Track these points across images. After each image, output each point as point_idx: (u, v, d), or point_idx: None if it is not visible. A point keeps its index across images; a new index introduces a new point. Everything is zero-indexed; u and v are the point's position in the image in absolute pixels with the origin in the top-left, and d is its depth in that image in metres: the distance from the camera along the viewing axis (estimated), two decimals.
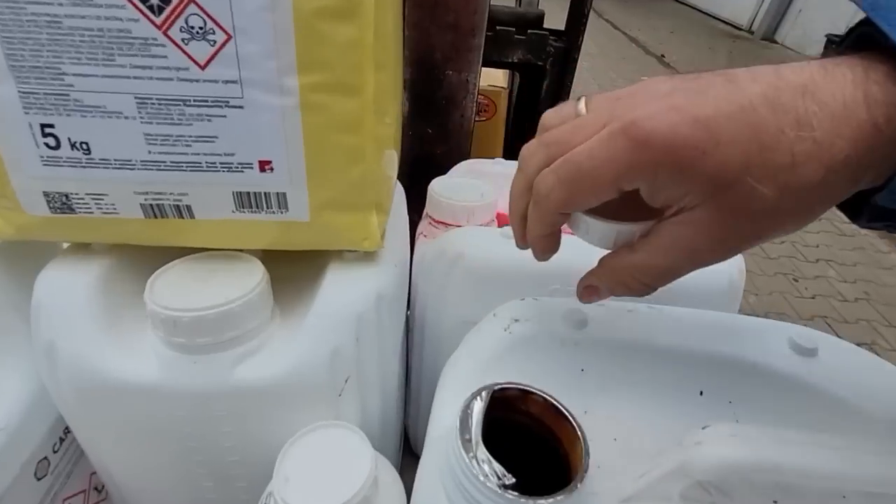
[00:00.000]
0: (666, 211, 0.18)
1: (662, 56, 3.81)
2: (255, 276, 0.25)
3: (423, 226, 0.41)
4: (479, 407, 0.19)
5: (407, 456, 0.42)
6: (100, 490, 0.32)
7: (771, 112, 0.15)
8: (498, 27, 0.56)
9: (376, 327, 0.26)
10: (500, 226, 0.37)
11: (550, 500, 0.16)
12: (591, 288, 0.21)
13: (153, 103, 0.21)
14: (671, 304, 0.27)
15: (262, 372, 0.24)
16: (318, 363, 0.24)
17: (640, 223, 0.19)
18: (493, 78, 0.73)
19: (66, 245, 0.27)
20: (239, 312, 0.23)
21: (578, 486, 0.16)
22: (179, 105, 0.21)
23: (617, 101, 0.18)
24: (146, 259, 0.27)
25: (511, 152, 0.75)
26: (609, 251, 0.21)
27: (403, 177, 0.35)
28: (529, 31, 0.56)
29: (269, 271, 0.25)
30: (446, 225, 0.38)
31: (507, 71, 0.76)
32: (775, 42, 4.39)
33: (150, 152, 0.22)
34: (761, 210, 0.16)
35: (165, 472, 0.27)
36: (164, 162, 0.22)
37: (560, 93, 0.59)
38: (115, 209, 0.23)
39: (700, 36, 4.58)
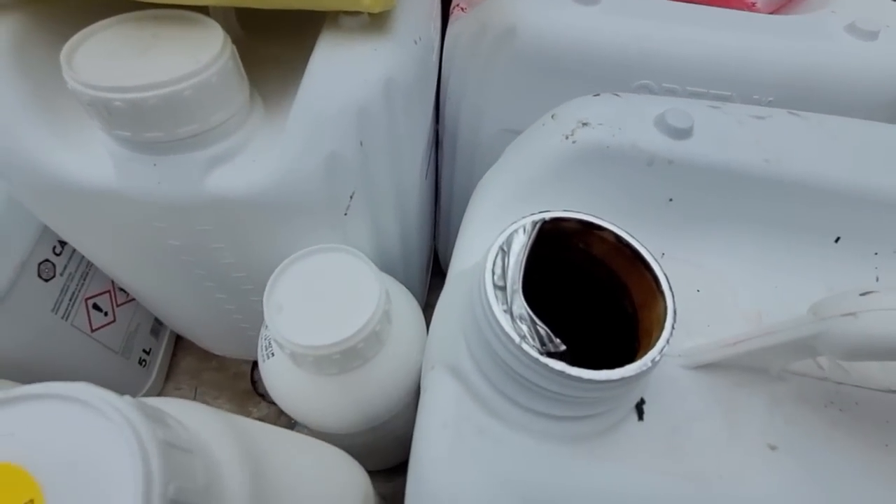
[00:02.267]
0: None
1: None
2: (213, 44, 0.17)
3: None
4: (520, 242, 0.13)
5: (436, 277, 0.40)
6: (126, 292, 0.32)
7: None
8: None
9: (387, 126, 0.19)
10: None
11: (614, 374, 0.11)
12: None
13: None
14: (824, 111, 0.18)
15: (240, 182, 0.19)
16: (310, 171, 0.19)
17: None
18: None
19: None
20: (193, 97, 0.17)
21: (655, 359, 0.11)
22: None
23: None
24: (67, 20, 0.19)
25: None
26: None
27: None
28: None
29: (246, 49, 0.18)
30: None
31: None
32: None
33: None
34: None
35: (171, 283, 0.25)
36: None
37: None
38: None
39: None
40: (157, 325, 0.35)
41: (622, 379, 0.11)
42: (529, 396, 0.12)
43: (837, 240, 0.17)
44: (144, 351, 0.33)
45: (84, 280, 0.28)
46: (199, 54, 0.17)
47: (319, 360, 0.17)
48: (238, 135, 0.19)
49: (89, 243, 0.23)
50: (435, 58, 0.25)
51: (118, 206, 0.19)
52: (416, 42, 0.20)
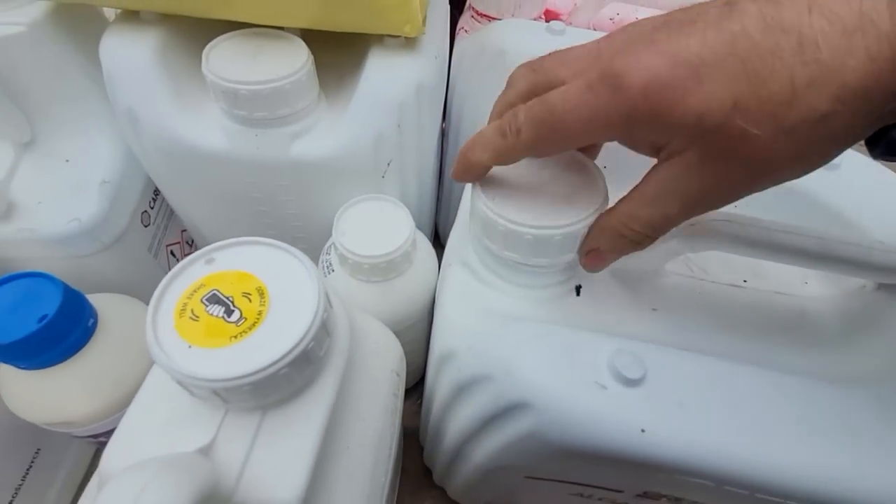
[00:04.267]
0: (658, 157, 0.16)
1: None
2: (300, 55, 0.25)
3: (464, 20, 0.38)
4: None
5: (435, 247, 0.48)
6: (190, 244, 0.39)
7: (768, 36, 0.13)
8: None
9: (416, 116, 0.28)
10: (547, 20, 0.35)
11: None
12: (593, 252, 0.19)
13: None
14: None
15: (314, 150, 0.27)
16: (364, 145, 0.27)
17: None
18: None
19: (112, 19, 0.27)
20: (290, 90, 0.25)
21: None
22: None
23: (606, 41, 0.16)
24: (195, 34, 0.27)
25: None
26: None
27: None
28: None
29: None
30: (490, 18, 0.35)
31: None
32: None
33: None
34: (754, 154, 0.14)
35: (241, 228, 0.32)
36: None
37: None
38: None
39: None
40: None
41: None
42: (507, 270, 0.20)
43: None
44: None
45: (165, 230, 0.35)
46: (292, 61, 0.25)
47: (372, 268, 0.25)
48: (311, 117, 0.27)
49: (186, 194, 0.31)
50: (445, 66, 0.33)
51: (224, 165, 0.27)
52: (436, 57, 0.29)
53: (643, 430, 0.15)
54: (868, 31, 0.12)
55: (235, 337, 0.15)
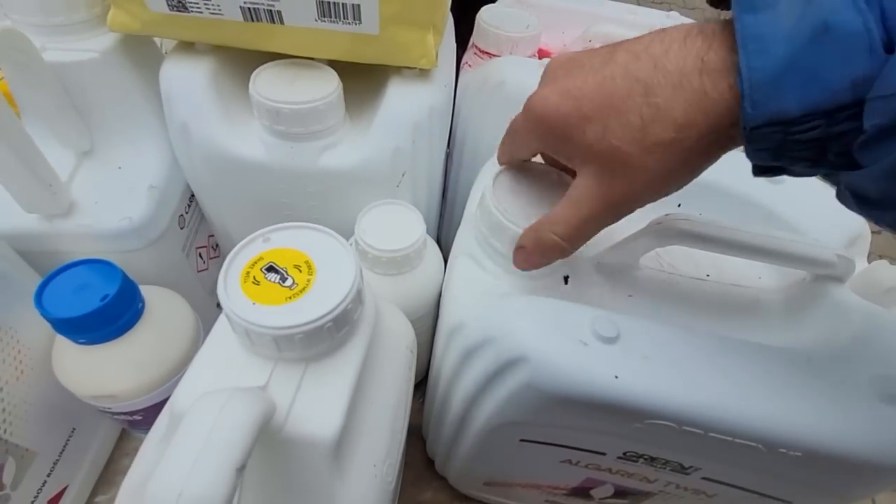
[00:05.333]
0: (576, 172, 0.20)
1: None
2: (332, 81, 0.30)
3: (468, 56, 0.44)
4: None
5: None
6: (214, 248, 0.43)
7: (627, 82, 0.17)
8: None
9: (428, 135, 0.32)
10: (540, 58, 0.40)
11: None
12: (519, 249, 0.23)
13: None
14: None
15: (340, 161, 0.31)
16: (383, 158, 0.31)
17: None
18: None
19: (165, 50, 0.32)
20: (323, 110, 0.29)
21: None
22: None
23: (543, 73, 0.21)
24: (240, 62, 0.32)
25: None
26: None
27: (451, 7, 0.37)
28: None
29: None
30: (490, 55, 0.41)
31: None
32: None
33: None
34: (628, 167, 0.18)
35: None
36: None
37: None
38: (219, 10, 0.28)
39: None
40: None
41: None
42: (506, 261, 0.24)
43: (679, 205, 0.30)
44: None
45: (196, 233, 0.39)
46: (324, 86, 0.30)
47: (389, 261, 0.29)
48: (338, 133, 0.31)
49: (222, 199, 0.35)
50: (452, 93, 0.38)
51: (260, 173, 0.31)
52: (445, 86, 0.34)
53: (616, 377, 0.19)
54: (685, 87, 0.16)
55: (289, 298, 0.19)
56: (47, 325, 0.27)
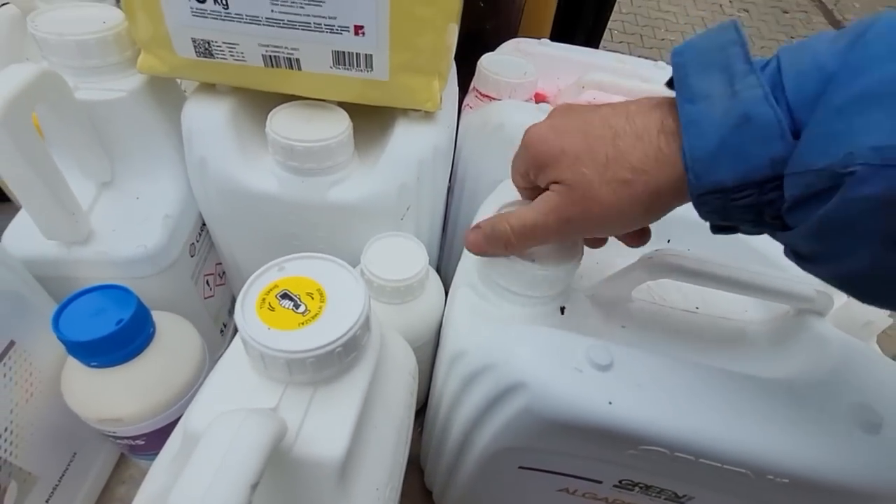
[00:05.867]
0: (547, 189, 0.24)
1: None
2: (343, 122, 0.32)
3: (469, 98, 0.46)
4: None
5: None
6: (220, 276, 0.44)
7: (602, 126, 0.21)
8: None
9: (432, 172, 0.34)
10: (537, 102, 0.43)
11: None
12: (475, 228, 0.26)
13: None
14: None
15: (349, 195, 0.33)
16: (389, 193, 0.33)
17: None
18: None
19: (187, 91, 0.34)
20: (335, 147, 0.31)
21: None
22: None
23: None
24: (258, 103, 0.34)
25: (559, 32, 0.74)
26: None
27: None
28: None
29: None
30: (490, 98, 0.43)
31: None
32: None
33: (272, 11, 0.28)
34: (588, 192, 0.21)
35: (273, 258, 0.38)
36: (283, 20, 0.28)
37: None
38: (243, 57, 0.30)
39: None
40: (231, 310, 0.47)
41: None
42: (500, 293, 0.26)
43: (668, 241, 0.32)
44: (224, 324, 0.45)
45: (205, 261, 0.40)
46: (336, 125, 0.32)
47: (393, 290, 0.30)
48: (347, 169, 0.33)
49: (233, 229, 0.36)
50: (454, 134, 0.41)
51: (272, 205, 0.33)
52: (448, 127, 0.36)
53: (610, 403, 0.20)
54: (645, 140, 0.20)
55: (302, 324, 0.20)
56: (58, 349, 0.28)
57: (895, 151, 0.14)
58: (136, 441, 0.31)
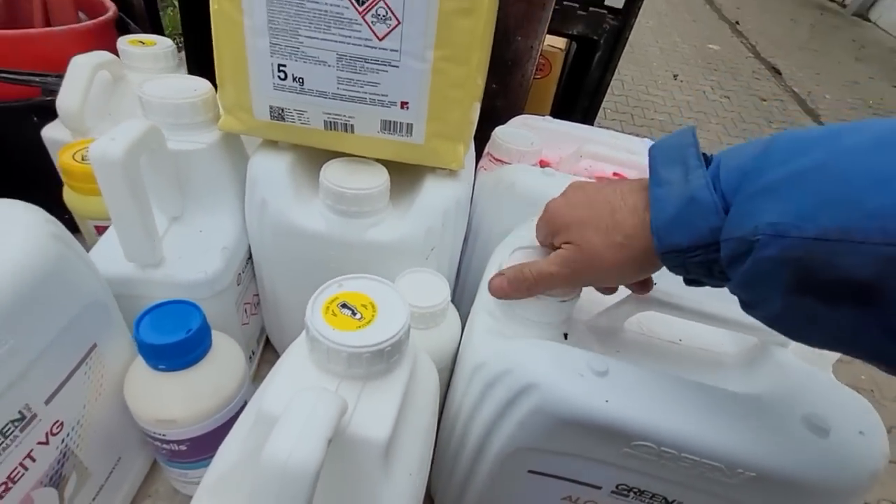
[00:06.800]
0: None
1: (737, 23, 3.58)
2: (383, 175, 0.39)
3: (484, 161, 0.54)
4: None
5: None
6: (255, 306, 0.49)
7: (602, 201, 0.27)
8: (564, 1, 0.65)
9: (454, 220, 0.40)
10: (541, 167, 0.50)
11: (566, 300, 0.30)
12: (499, 276, 0.32)
13: (347, 59, 0.34)
14: None
15: (383, 236, 0.39)
16: (418, 235, 0.39)
17: None
18: (553, 39, 0.82)
19: (249, 148, 0.42)
20: (375, 195, 0.38)
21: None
22: (361, 62, 0.34)
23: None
24: (312, 157, 0.41)
25: (559, 110, 0.85)
26: None
27: None
28: (590, 7, 0.65)
29: None
30: (502, 162, 0.51)
31: None
32: (868, 20, 4.02)
33: (338, 88, 0.35)
34: (593, 252, 0.27)
35: (312, 291, 0.43)
36: (345, 95, 0.36)
37: (609, 64, 0.68)
38: (308, 121, 0.37)
39: (784, 3, 4.22)
40: (259, 339, 0.51)
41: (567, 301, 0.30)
42: (515, 317, 0.31)
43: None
44: (252, 351, 0.49)
45: (246, 290, 0.45)
46: (377, 178, 0.39)
47: (420, 316, 0.35)
48: (382, 214, 0.40)
49: (279, 263, 0.42)
50: (471, 190, 0.48)
51: (318, 242, 0.39)
52: (468, 183, 0.43)
53: (607, 401, 0.24)
54: (635, 214, 0.26)
55: (359, 327, 0.25)
56: (125, 356, 0.32)
57: (784, 227, 0.19)
58: (180, 447, 0.34)
